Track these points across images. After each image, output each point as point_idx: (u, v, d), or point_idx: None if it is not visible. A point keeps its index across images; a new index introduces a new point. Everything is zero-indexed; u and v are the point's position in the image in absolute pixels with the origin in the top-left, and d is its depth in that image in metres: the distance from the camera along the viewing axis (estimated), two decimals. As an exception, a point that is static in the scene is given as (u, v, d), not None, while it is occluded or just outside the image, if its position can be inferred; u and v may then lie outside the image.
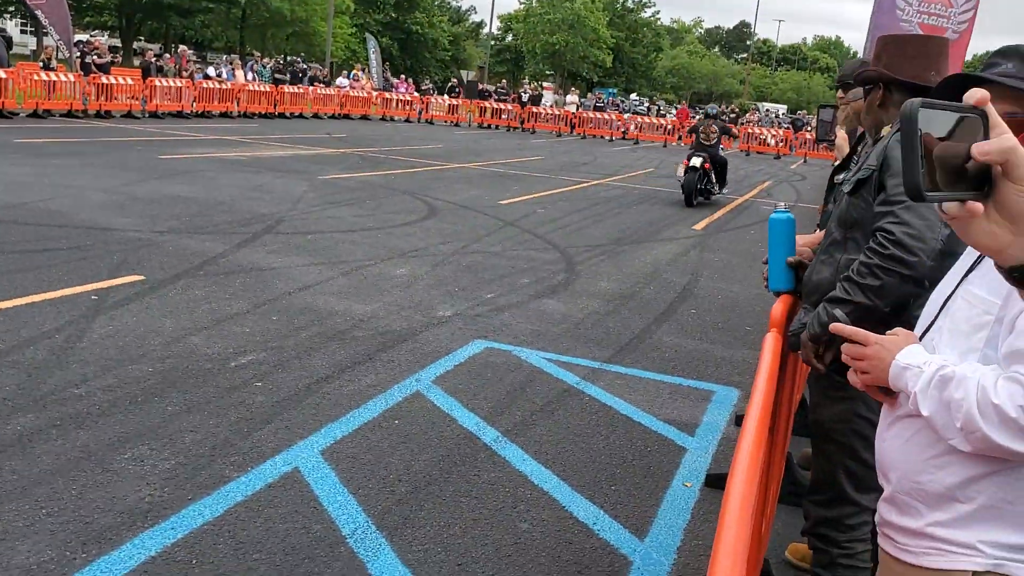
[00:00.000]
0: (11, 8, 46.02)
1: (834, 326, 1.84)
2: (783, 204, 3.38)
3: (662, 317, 7.18)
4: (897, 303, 2.56)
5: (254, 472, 3.74)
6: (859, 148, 3.83)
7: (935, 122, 1.00)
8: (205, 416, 4.28)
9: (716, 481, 4.14)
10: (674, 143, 35.36)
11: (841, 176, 3.86)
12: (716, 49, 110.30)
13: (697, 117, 32.14)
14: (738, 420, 5.01)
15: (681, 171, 15.04)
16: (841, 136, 4.91)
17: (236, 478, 3.67)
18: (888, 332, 1.75)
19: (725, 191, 16.36)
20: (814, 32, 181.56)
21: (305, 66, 36.64)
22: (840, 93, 4.63)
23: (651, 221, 12.75)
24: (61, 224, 8.28)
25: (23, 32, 56.95)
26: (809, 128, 39.10)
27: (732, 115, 40.22)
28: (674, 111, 43.07)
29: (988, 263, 1.55)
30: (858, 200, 2.72)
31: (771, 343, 2.45)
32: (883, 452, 1.74)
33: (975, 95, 1.03)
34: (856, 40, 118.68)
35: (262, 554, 3.15)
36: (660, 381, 5.58)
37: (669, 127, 36.75)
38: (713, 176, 15.54)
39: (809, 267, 2.99)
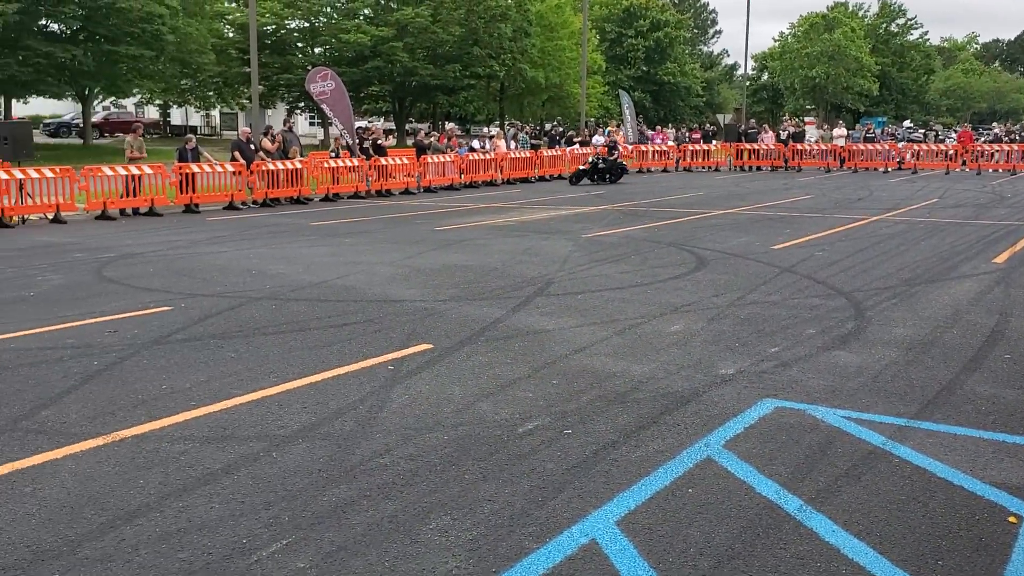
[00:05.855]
0: (301, 104, 51.59)
1: None
2: None
3: (972, 365, 6.46)
4: None
5: (552, 544, 3.72)
6: None
7: None
8: (500, 484, 4.34)
9: (1071, 559, 3.57)
10: (957, 169, 32.52)
11: None
12: (996, 64, 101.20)
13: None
14: (1087, 484, 4.33)
15: None
16: None
17: (536, 550, 3.66)
18: None
19: None
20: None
21: (563, 128, 37.83)
22: None
23: (943, 257, 11.68)
24: (356, 299, 8.96)
25: (311, 124, 63.63)
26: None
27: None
28: (954, 134, 39.78)
29: None
30: None
31: None
32: None
33: None
34: None
35: (569, 632, 3.07)
36: (980, 438, 4.98)
37: (951, 152, 33.93)
38: None
39: None
